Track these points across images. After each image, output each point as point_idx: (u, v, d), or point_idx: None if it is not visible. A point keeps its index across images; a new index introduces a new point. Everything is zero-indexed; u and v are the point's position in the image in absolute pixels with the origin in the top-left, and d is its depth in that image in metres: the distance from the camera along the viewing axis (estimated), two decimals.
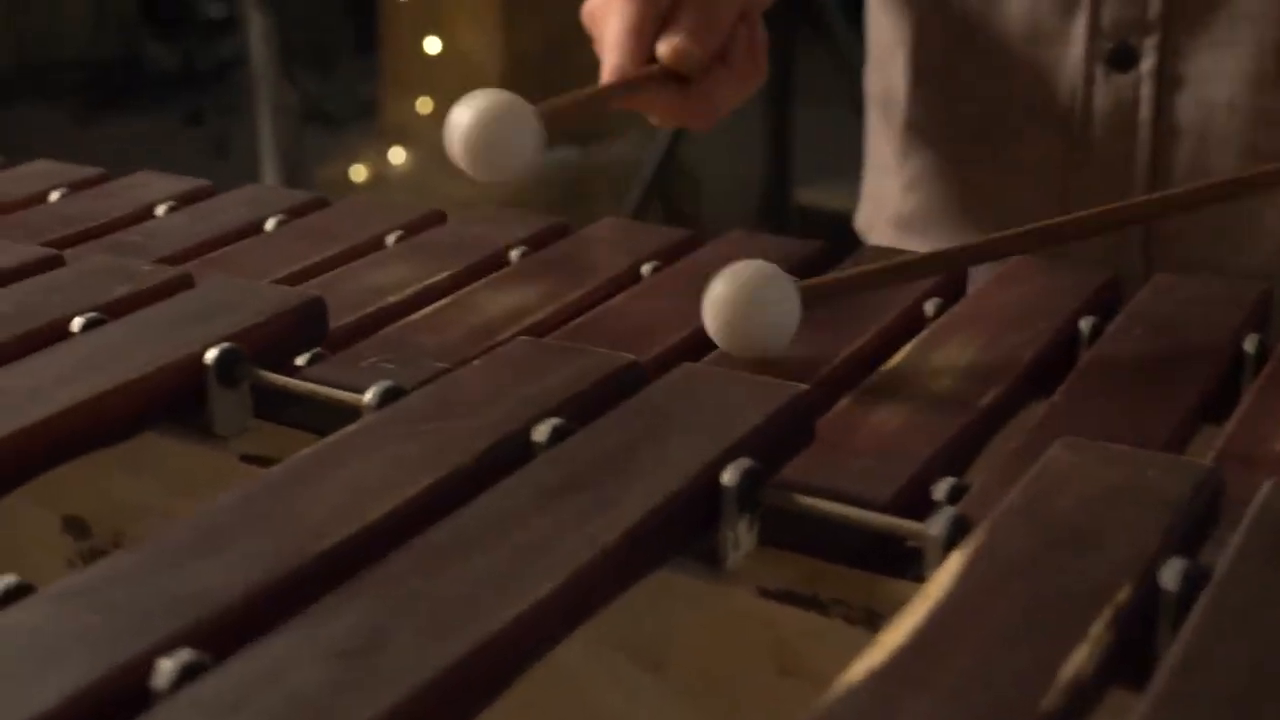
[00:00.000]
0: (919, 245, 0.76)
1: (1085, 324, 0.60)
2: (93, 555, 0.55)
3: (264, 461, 0.51)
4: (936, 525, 0.41)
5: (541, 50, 2.99)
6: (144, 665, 0.35)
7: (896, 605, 0.42)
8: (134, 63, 4.54)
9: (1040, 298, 0.62)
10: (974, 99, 0.90)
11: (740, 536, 0.44)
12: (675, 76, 0.72)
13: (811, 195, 2.89)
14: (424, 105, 3.05)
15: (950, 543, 0.41)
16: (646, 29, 0.71)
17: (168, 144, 3.79)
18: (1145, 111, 0.83)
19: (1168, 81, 0.83)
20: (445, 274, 0.66)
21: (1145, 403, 0.54)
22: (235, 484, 0.45)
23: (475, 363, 0.51)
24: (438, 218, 0.74)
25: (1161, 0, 0.81)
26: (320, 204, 0.76)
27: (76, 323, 0.54)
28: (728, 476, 0.44)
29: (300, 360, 0.57)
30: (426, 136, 3.03)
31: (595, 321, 0.61)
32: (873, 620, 0.42)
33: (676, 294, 0.64)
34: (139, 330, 0.54)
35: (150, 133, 3.95)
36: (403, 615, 0.37)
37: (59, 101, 4.18)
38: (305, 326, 0.56)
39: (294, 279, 0.65)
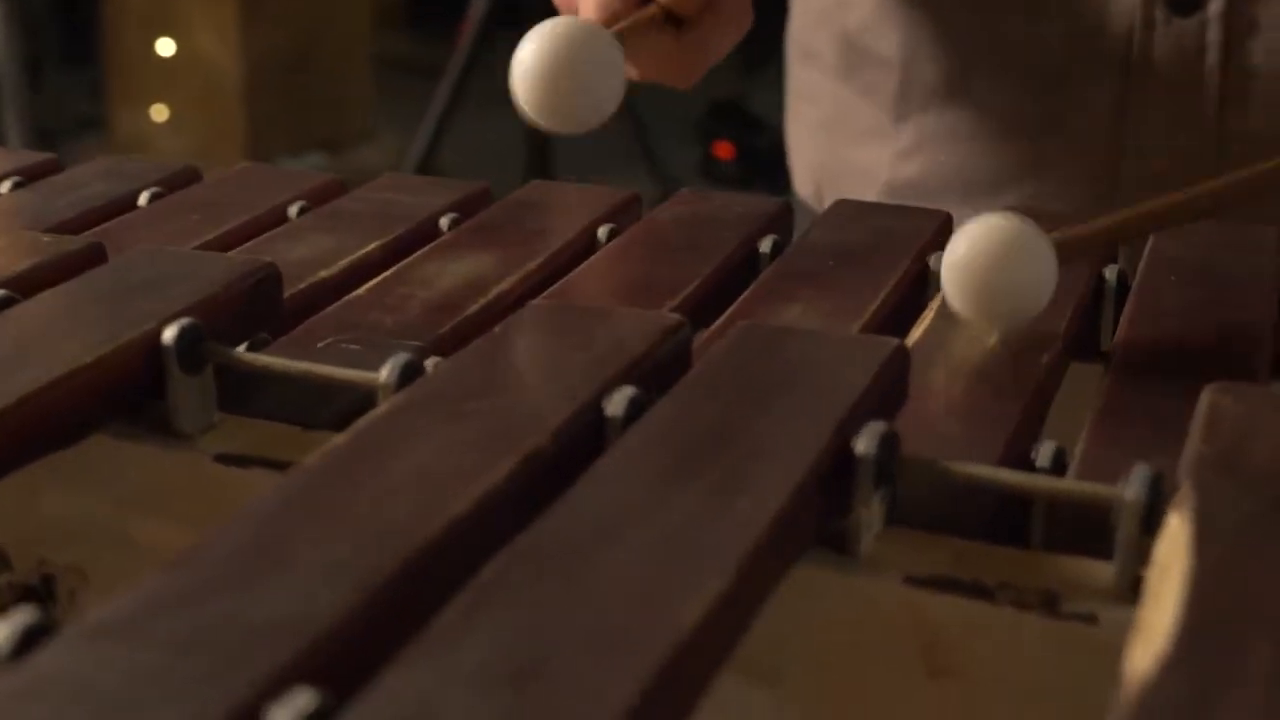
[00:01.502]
0: None
1: (1110, 273, 0.54)
2: (14, 592, 0.45)
3: (244, 462, 0.42)
4: (1133, 488, 0.35)
5: (284, 50, 2.87)
6: (251, 714, 0.26)
7: (1075, 586, 0.36)
8: None
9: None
10: (1001, 49, 0.80)
11: (873, 516, 0.37)
12: (670, 19, 0.62)
13: None
14: (159, 113, 2.89)
15: (1152, 508, 0.35)
16: None
17: None
18: (1212, 60, 0.74)
19: (1238, 26, 0.73)
20: (374, 245, 0.57)
21: (1201, 349, 0.49)
22: (260, 486, 0.37)
23: (495, 331, 0.43)
24: (337, 187, 0.65)
25: None
26: (194, 175, 0.66)
27: None
28: (862, 445, 0.37)
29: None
30: (164, 145, 2.87)
31: (571, 290, 0.53)
32: (1053, 604, 0.36)
33: (650, 257, 0.57)
34: (67, 309, 0.44)
35: None
36: (557, 629, 0.29)
37: None
38: (259, 301, 0.47)
39: None
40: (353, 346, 0.48)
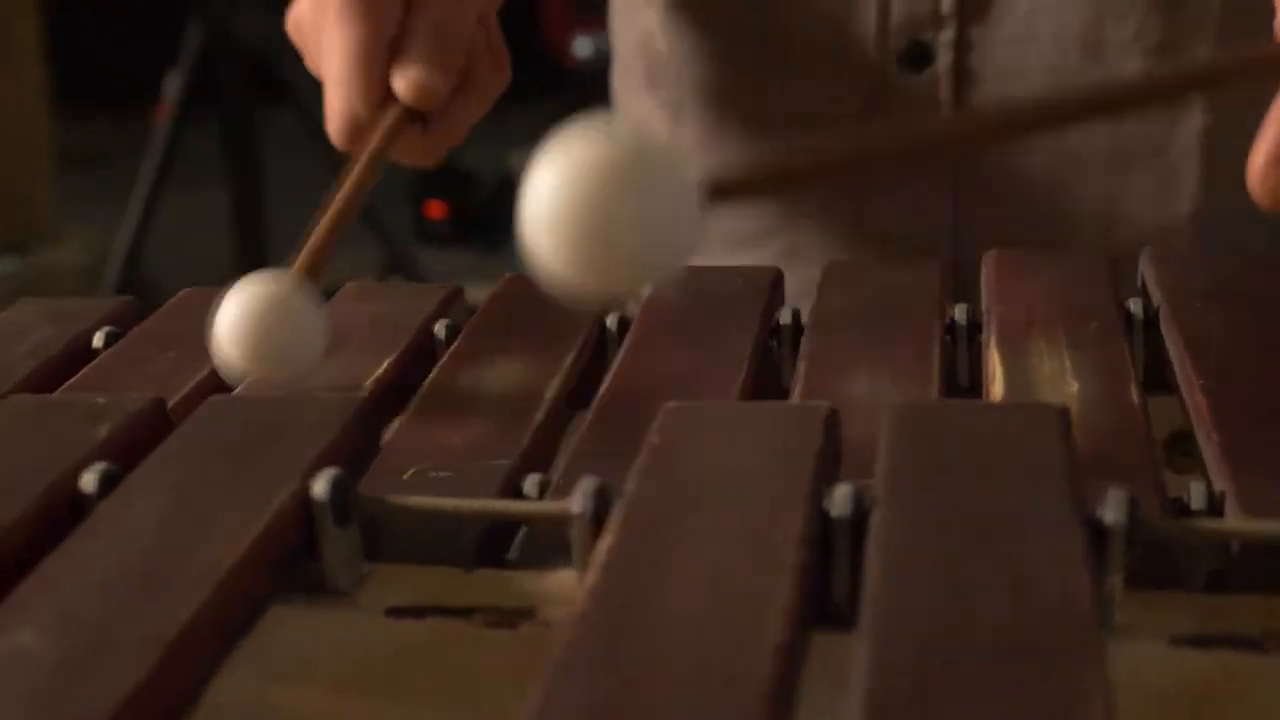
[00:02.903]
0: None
1: (1135, 305, 0.56)
2: None
3: (420, 613, 0.39)
4: None
5: None
6: None
7: None
8: None
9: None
10: (749, 106, 0.82)
11: (1120, 584, 0.37)
12: (415, 113, 0.62)
13: None
14: None
15: None
16: (377, 57, 0.61)
17: None
18: (945, 112, 0.78)
19: (963, 79, 0.77)
20: (387, 362, 0.54)
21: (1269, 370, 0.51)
22: (444, 636, 0.36)
23: (654, 440, 0.41)
24: None
25: None
26: (139, 310, 0.61)
27: (88, 481, 0.40)
28: (1110, 514, 0.36)
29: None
30: None
31: (629, 386, 0.52)
32: None
33: (685, 342, 0.55)
34: (193, 477, 0.40)
35: None
36: None
37: None
38: (367, 435, 0.44)
39: (205, 394, 0.51)
40: (442, 474, 0.45)
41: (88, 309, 0.60)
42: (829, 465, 0.40)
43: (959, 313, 0.56)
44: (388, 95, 0.61)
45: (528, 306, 0.60)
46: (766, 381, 0.56)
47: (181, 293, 0.63)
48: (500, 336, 0.57)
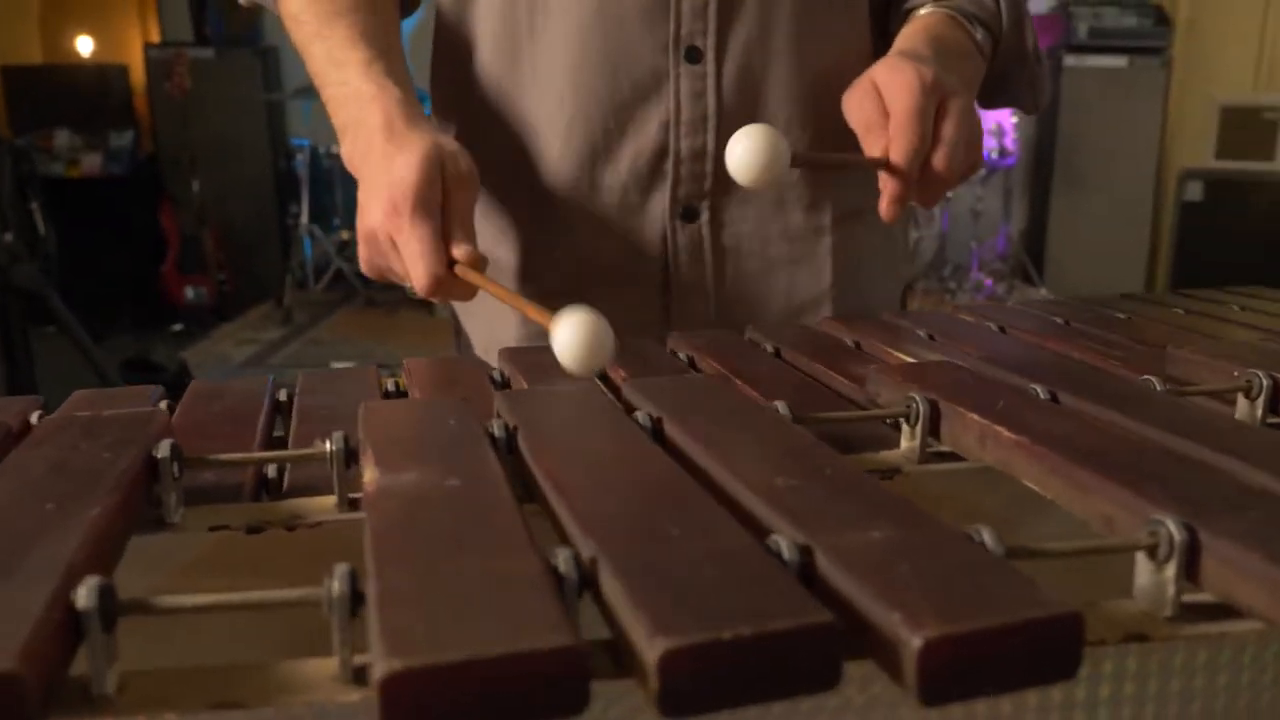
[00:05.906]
0: None
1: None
2: None
3: None
4: None
5: None
6: None
7: None
8: None
9: None
10: (577, 262, 1.23)
11: None
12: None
13: None
14: None
15: None
16: (442, 239, 0.97)
17: None
18: (708, 253, 1.25)
19: (716, 226, 1.24)
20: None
21: None
22: None
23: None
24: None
25: (712, 179, 1.22)
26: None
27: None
28: None
29: None
30: None
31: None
32: None
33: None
34: None
35: None
36: None
37: None
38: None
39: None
40: None
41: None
42: None
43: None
44: (450, 262, 0.96)
45: None
46: None
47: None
48: None
